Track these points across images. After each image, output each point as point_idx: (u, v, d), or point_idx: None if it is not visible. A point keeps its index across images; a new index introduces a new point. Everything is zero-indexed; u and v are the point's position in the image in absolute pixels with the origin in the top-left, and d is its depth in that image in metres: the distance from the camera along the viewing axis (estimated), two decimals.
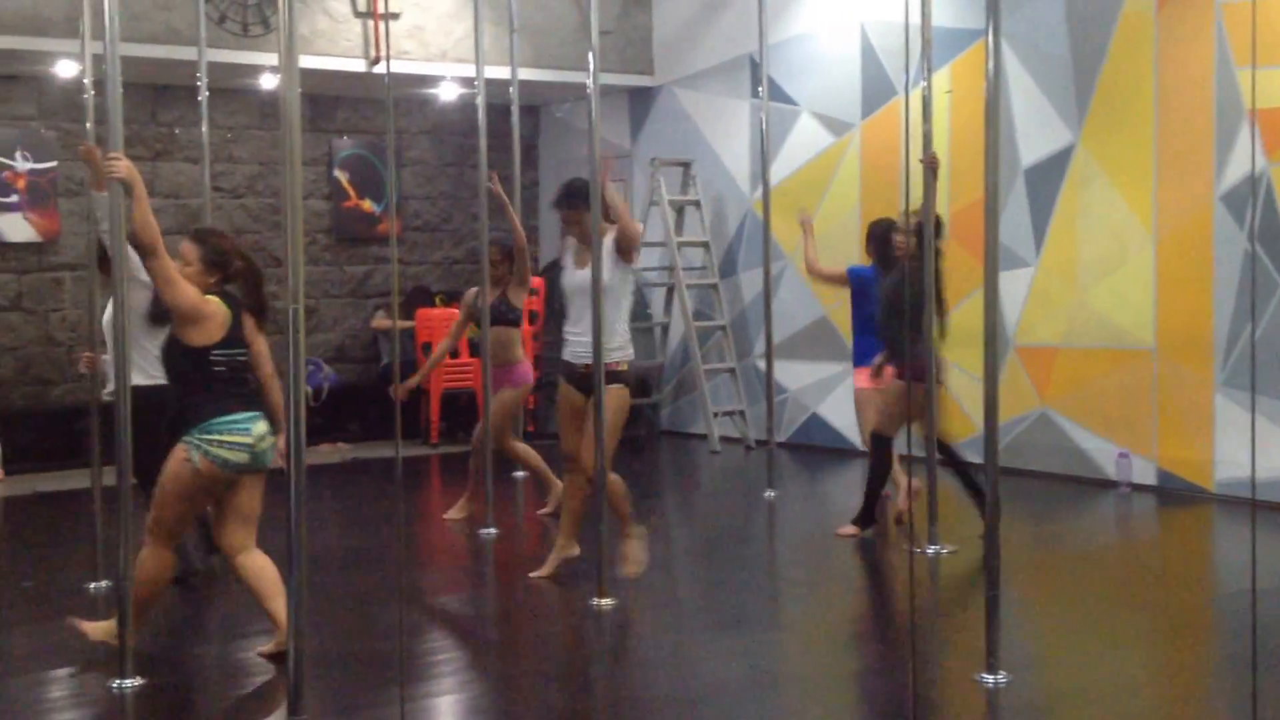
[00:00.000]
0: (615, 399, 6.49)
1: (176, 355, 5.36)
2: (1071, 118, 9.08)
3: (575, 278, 6.68)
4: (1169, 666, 5.52)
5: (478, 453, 8.18)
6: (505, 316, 8.14)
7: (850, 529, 7.56)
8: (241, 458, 5.29)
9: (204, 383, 5.30)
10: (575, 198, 6.56)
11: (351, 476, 10.24)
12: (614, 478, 6.55)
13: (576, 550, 6.77)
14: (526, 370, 8.33)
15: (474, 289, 8.33)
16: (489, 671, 5.56)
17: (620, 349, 6.54)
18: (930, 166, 7.20)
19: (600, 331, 6.30)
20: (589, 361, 6.45)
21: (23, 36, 9.49)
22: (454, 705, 5.09)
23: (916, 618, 5.85)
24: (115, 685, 5.10)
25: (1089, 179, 9.00)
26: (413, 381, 8.51)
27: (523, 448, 8.38)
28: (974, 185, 9.17)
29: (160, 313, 5.89)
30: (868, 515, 7.57)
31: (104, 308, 6.92)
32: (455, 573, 7.45)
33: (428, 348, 10.64)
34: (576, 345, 6.64)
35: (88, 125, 7.23)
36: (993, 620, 5.00)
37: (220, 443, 5.25)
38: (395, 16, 10.72)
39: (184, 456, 5.26)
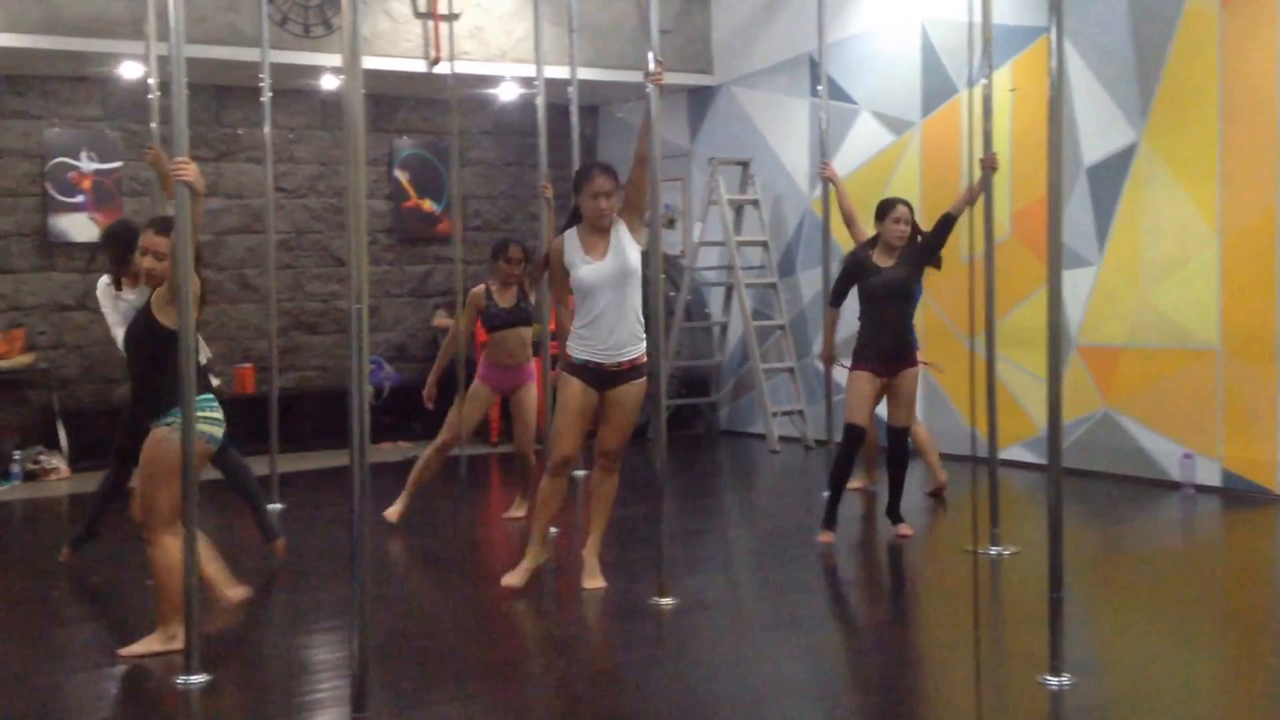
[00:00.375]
0: (641, 392, 6.42)
1: (160, 339, 5.41)
2: (1134, 116, 8.99)
3: (595, 270, 6.27)
4: (1235, 670, 5.46)
5: (525, 454, 8.21)
6: (525, 316, 8.13)
7: (906, 528, 7.54)
8: (218, 433, 5.57)
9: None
10: (610, 169, 6.39)
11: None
12: (609, 479, 6.56)
13: (547, 555, 6.63)
14: (535, 368, 8.36)
15: (479, 287, 8.19)
16: (549, 670, 5.57)
17: (644, 340, 6.39)
18: (989, 167, 7.16)
19: (663, 321, 6.26)
20: (622, 360, 6.30)
21: (88, 38, 9.62)
22: (514, 703, 5.11)
23: (979, 619, 5.81)
24: (181, 681, 5.15)
25: (1152, 178, 8.91)
26: (432, 389, 8.24)
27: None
28: (1036, 184, 9.15)
29: None
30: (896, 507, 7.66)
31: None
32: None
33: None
34: (604, 343, 6.29)
35: (153, 126, 7.33)
36: (1056, 622, 4.96)
37: (205, 419, 5.44)
38: (455, 17, 10.77)
39: (166, 437, 5.38)
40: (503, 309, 8.11)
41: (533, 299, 8.20)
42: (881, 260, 7.45)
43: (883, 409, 7.69)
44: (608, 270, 6.25)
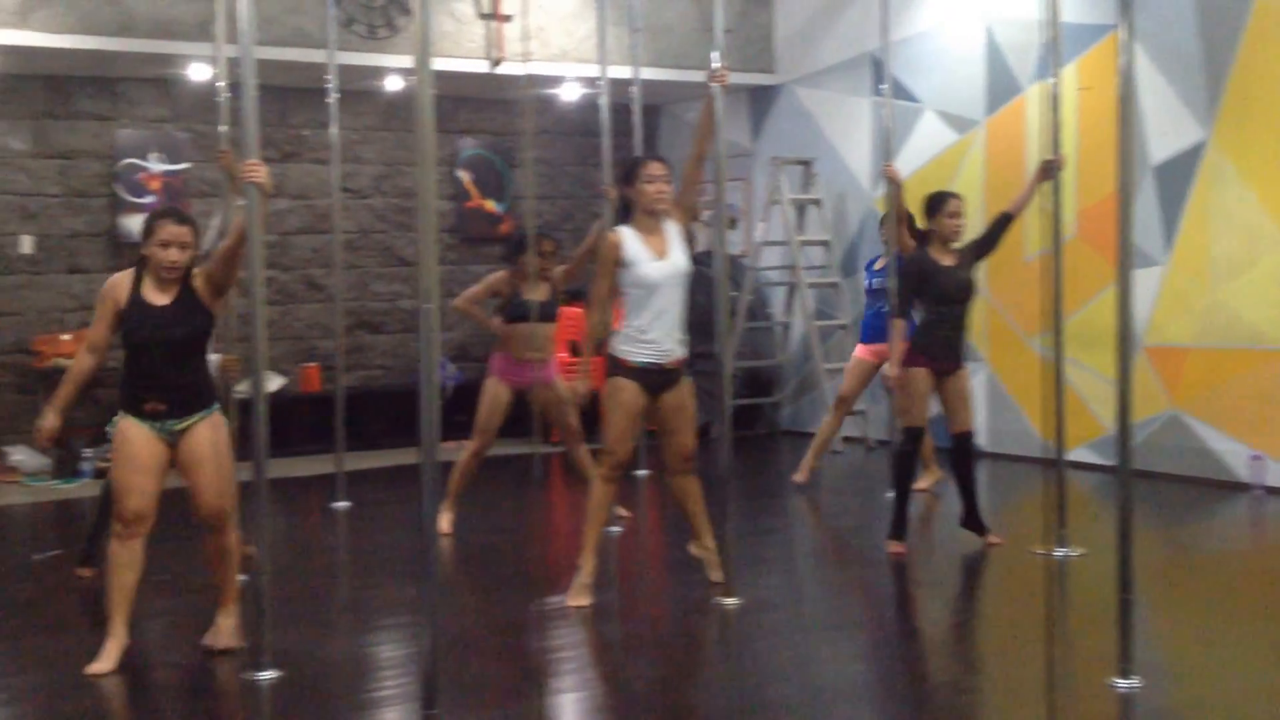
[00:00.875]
0: (692, 388, 6.39)
1: (209, 331, 5.53)
2: (1202, 114, 8.90)
3: (660, 268, 6.18)
4: None
5: (577, 444, 8.06)
6: (554, 312, 8.04)
7: (995, 537, 7.38)
8: None
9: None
10: (661, 158, 6.33)
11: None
12: (693, 479, 6.51)
13: (594, 563, 6.42)
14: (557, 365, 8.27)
15: (502, 274, 8.02)
16: (616, 668, 5.59)
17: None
18: (1057, 167, 7.06)
19: (727, 321, 6.24)
20: (675, 358, 6.24)
21: (155, 40, 9.74)
22: (579, 703, 5.13)
23: (1049, 622, 5.77)
24: (251, 677, 5.21)
25: (1220, 176, 8.81)
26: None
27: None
28: (1101, 183, 9.08)
29: None
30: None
31: None
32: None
33: None
34: (664, 343, 6.22)
35: (220, 128, 7.40)
36: (1126, 624, 4.93)
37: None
38: (508, 19, 10.84)
39: (224, 424, 5.57)
40: (535, 302, 7.91)
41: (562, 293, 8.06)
42: (942, 258, 7.19)
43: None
44: (670, 269, 6.20)
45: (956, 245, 7.27)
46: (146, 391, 5.40)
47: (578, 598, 6.28)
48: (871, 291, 9.17)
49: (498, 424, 8.02)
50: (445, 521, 7.89)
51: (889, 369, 7.36)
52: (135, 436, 5.40)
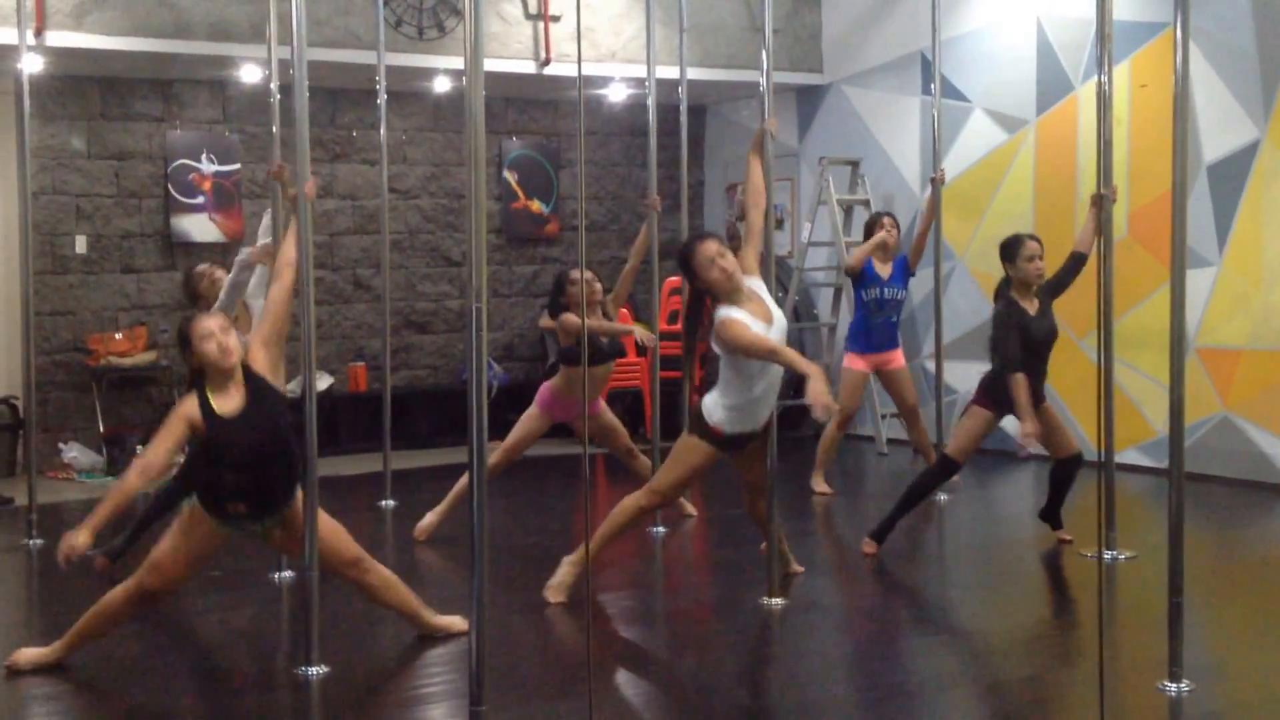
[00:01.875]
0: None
1: (286, 414, 5.40)
2: (1257, 112, 8.82)
3: (766, 333, 5.79)
4: None
5: (631, 455, 8.04)
6: (617, 348, 7.87)
7: (1065, 534, 7.38)
8: None
9: None
10: (712, 235, 6.05)
11: (518, 473, 10.35)
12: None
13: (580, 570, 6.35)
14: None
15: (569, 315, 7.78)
16: (663, 667, 5.59)
17: None
18: (1110, 200, 6.97)
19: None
20: (768, 419, 6.07)
21: (208, 42, 9.81)
22: (628, 701, 5.14)
23: (1098, 624, 5.74)
24: (301, 672, 5.25)
25: (1275, 175, 8.73)
26: None
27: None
28: (1154, 183, 9.02)
29: None
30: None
31: None
32: (624, 570, 7.50)
33: None
34: (764, 411, 6.01)
35: (274, 130, 7.44)
36: (1176, 627, 4.90)
37: None
38: (557, 19, 10.85)
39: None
40: (603, 343, 7.75)
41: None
42: (1028, 305, 6.96)
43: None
44: (779, 332, 5.89)
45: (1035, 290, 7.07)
46: (227, 494, 5.25)
47: (556, 594, 6.28)
48: (882, 302, 9.07)
49: (525, 449, 7.88)
50: (425, 527, 7.80)
51: (1027, 427, 6.69)
52: (204, 533, 5.33)
